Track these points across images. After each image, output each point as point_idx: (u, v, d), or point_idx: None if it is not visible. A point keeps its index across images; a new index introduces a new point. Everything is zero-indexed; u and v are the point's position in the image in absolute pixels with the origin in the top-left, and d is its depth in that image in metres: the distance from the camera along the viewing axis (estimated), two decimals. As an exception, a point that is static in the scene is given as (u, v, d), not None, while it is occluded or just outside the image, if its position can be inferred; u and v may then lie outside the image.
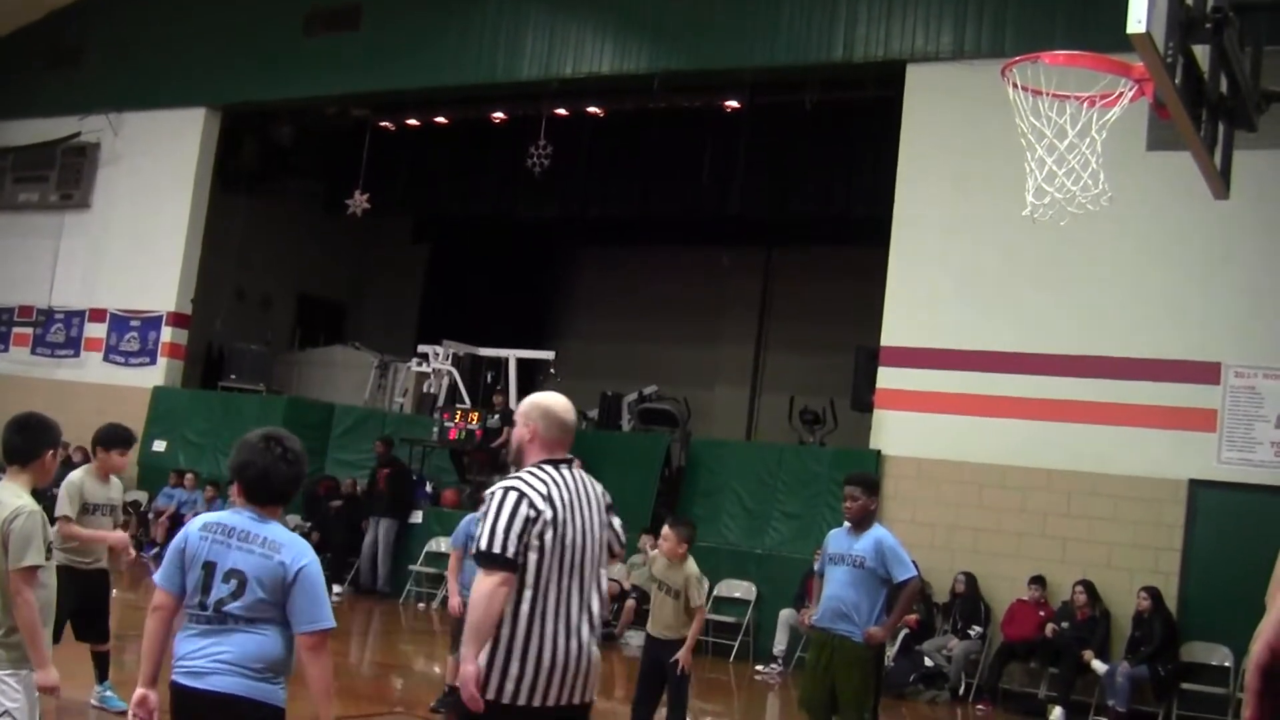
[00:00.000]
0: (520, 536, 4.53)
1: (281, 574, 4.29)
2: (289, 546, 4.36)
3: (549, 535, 4.57)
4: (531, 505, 4.58)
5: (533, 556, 4.56)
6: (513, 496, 4.59)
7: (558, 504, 4.63)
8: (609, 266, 24.85)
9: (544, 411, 4.88)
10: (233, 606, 4.28)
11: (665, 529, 8.67)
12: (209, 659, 4.27)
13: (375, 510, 17.43)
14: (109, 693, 8.48)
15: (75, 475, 8.27)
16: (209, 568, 4.34)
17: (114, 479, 8.43)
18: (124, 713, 8.06)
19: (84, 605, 8.13)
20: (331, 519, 17.57)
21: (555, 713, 4.62)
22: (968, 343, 14.73)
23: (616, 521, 5.05)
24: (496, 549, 4.51)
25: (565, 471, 4.78)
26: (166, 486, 19.16)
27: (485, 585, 4.51)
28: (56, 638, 8.15)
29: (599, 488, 4.94)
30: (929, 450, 14.73)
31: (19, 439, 5.31)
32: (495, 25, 18.57)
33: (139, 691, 4.51)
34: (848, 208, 18.47)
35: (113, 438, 8.31)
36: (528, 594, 4.56)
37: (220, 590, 4.30)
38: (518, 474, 4.74)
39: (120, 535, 8.03)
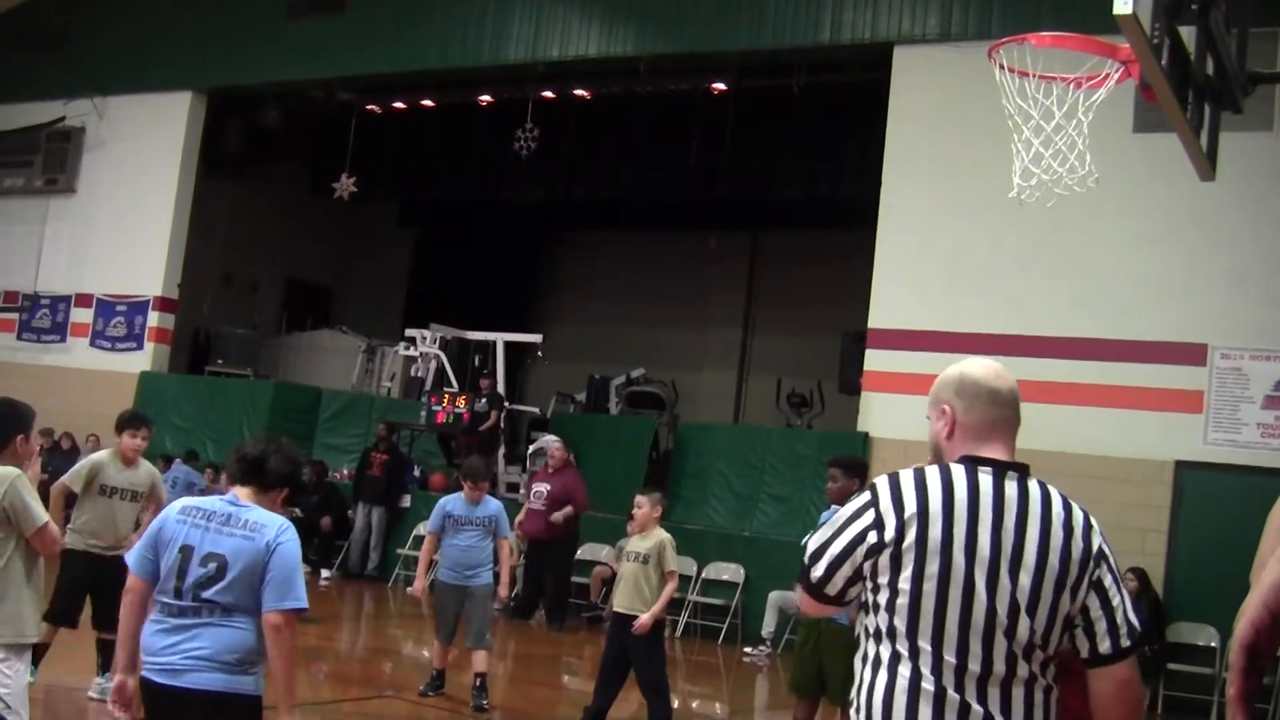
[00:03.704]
0: (841, 563, 3.03)
1: (262, 551, 4.27)
2: (270, 526, 4.33)
3: (905, 576, 2.95)
4: (878, 524, 3.00)
5: (880, 598, 3.00)
6: (862, 501, 3.07)
7: (934, 529, 2.95)
8: (596, 250, 24.82)
9: (959, 384, 3.15)
10: (211, 592, 4.25)
11: (639, 498, 8.72)
12: (183, 655, 4.23)
13: (367, 497, 17.41)
14: (110, 684, 8.39)
15: (98, 455, 8.42)
16: (186, 551, 4.30)
17: (144, 464, 8.46)
18: None
19: (102, 591, 8.10)
20: (313, 505, 17.47)
21: None
22: (954, 325, 14.74)
23: (1109, 577, 3.10)
24: (808, 560, 3.11)
25: (987, 478, 3.03)
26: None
27: (803, 607, 3.29)
28: (74, 622, 8.15)
29: (1074, 515, 3.11)
30: (916, 433, 14.57)
31: None
32: (481, 8, 18.51)
33: (118, 678, 4.52)
34: (835, 190, 18.47)
35: (120, 420, 8.41)
36: (884, 654, 3.01)
37: (197, 573, 4.26)
38: (906, 470, 3.11)
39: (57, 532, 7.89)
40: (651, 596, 8.40)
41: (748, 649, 14.20)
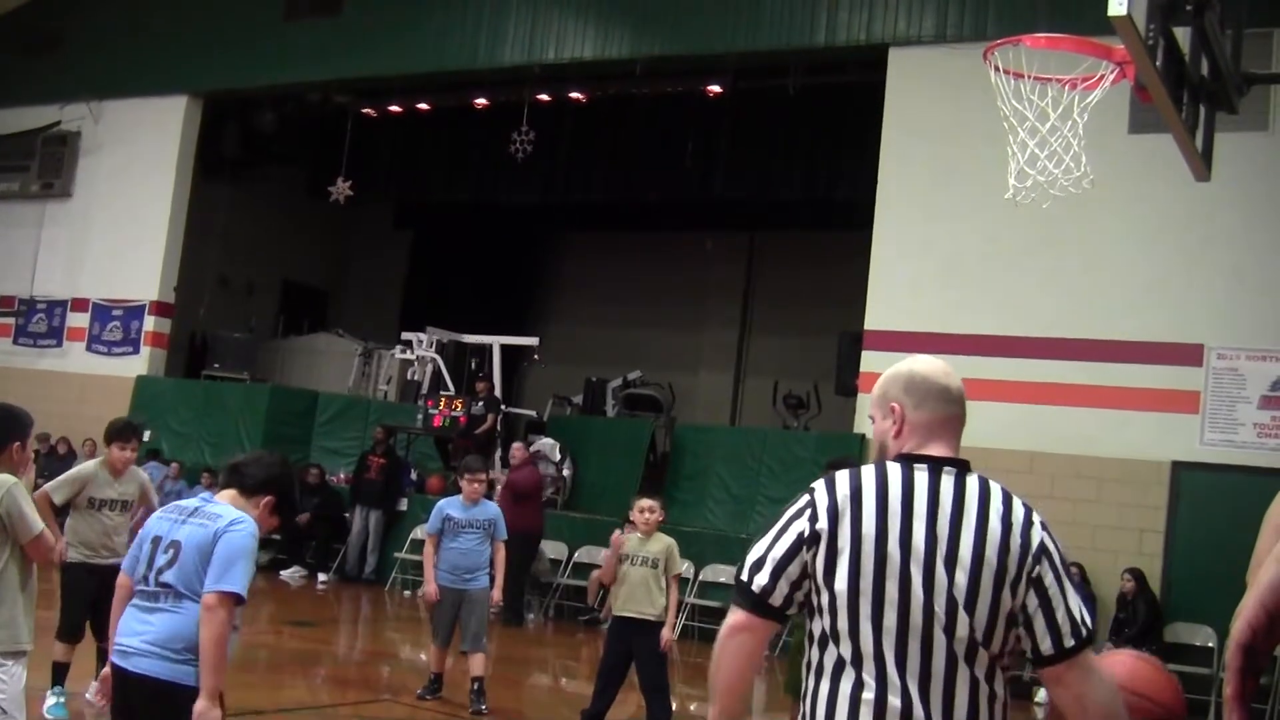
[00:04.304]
0: (782, 565, 2.98)
1: (211, 537, 4.34)
2: (224, 516, 4.42)
3: (841, 574, 2.92)
4: (814, 518, 2.99)
5: (822, 600, 2.96)
6: (800, 502, 3.06)
7: (868, 523, 2.94)
8: (593, 252, 24.83)
9: (909, 381, 3.14)
10: (168, 575, 4.35)
11: (646, 502, 8.68)
12: (137, 638, 4.34)
13: (365, 500, 17.40)
14: None
15: (87, 466, 8.22)
16: (155, 541, 4.44)
17: (136, 474, 8.29)
18: None
19: (102, 599, 8.04)
20: (315, 507, 17.50)
21: None
22: (951, 326, 14.75)
23: (1050, 575, 2.95)
24: (744, 575, 3.01)
25: (922, 474, 3.01)
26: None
27: (723, 629, 3.07)
28: (78, 635, 8.10)
29: (1014, 511, 2.98)
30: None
31: None
32: (477, 10, 18.51)
33: (105, 669, 4.60)
34: (831, 192, 18.48)
35: (109, 432, 8.19)
36: (828, 661, 2.96)
37: (159, 560, 4.39)
38: (842, 470, 3.11)
39: (62, 547, 7.72)
40: (659, 598, 8.43)
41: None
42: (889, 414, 3.12)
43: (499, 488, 14.98)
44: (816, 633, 2.98)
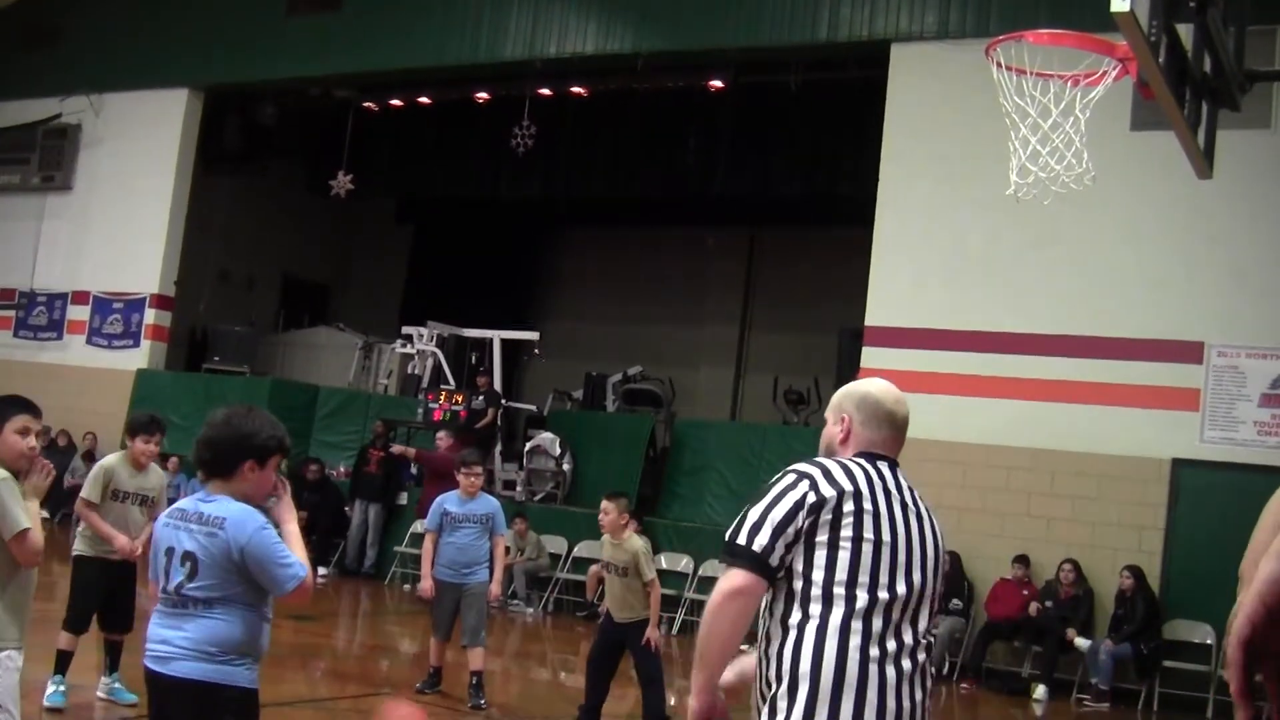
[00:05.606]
0: (781, 527, 3.22)
1: (228, 551, 4.26)
2: (231, 520, 4.29)
3: (846, 536, 3.23)
4: (814, 488, 3.26)
5: (818, 556, 3.23)
6: (789, 479, 3.32)
7: (867, 503, 3.28)
8: (593, 247, 24.82)
9: (861, 399, 3.60)
10: (190, 589, 4.28)
11: (605, 503, 8.64)
12: (170, 644, 4.28)
13: (364, 494, 17.40)
14: (118, 684, 8.23)
15: (108, 460, 8.25)
16: (170, 553, 4.35)
17: (154, 468, 8.31)
18: (134, 704, 7.98)
19: (114, 595, 8.08)
20: (315, 503, 17.51)
21: None
22: (952, 323, 14.75)
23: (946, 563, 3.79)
24: (741, 538, 3.25)
25: (885, 468, 3.46)
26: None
27: (716, 591, 3.29)
28: (84, 627, 8.09)
29: (937, 524, 3.51)
30: (913, 430, 14.25)
31: None
32: (479, 5, 18.49)
33: None
34: (832, 188, 18.47)
35: (132, 425, 8.28)
36: (834, 615, 3.22)
37: (177, 574, 4.30)
38: (820, 459, 3.46)
39: (125, 541, 7.90)
40: (639, 604, 8.41)
41: (744, 646, 14.16)
42: (839, 421, 3.58)
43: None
44: (811, 588, 3.21)
